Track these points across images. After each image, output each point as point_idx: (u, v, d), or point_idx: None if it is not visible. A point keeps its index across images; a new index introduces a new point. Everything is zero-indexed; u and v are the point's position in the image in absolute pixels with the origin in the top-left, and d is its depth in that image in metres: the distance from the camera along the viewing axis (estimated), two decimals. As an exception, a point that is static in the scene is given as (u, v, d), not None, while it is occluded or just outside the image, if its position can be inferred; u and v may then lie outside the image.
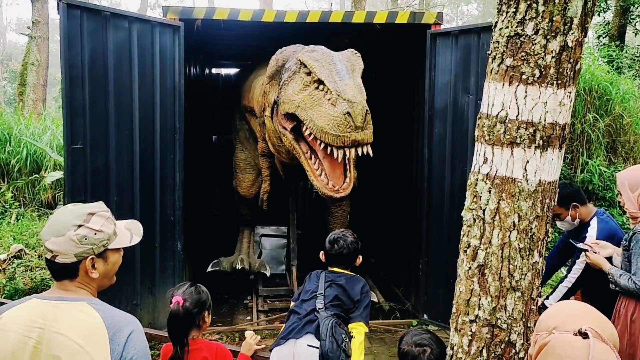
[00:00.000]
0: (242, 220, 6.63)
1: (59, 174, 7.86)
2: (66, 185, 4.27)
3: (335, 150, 3.60)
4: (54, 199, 8.70)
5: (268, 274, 5.78)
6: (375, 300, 5.82)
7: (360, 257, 3.09)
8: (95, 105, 4.30)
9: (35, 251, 6.69)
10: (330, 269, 3.08)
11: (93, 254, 1.64)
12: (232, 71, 9.21)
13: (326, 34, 5.85)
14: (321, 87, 3.76)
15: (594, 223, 3.42)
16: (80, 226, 1.63)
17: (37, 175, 8.81)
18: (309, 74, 3.91)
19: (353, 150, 3.58)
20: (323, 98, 3.68)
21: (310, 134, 3.77)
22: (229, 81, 8.87)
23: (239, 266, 5.67)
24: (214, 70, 9.45)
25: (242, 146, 6.10)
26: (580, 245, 3.14)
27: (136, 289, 4.60)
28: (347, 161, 3.78)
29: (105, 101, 4.35)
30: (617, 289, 2.83)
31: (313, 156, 3.97)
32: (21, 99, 14.27)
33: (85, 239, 1.62)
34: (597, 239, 3.24)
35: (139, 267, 4.59)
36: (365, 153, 3.63)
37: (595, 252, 3.04)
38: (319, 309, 2.89)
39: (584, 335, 1.36)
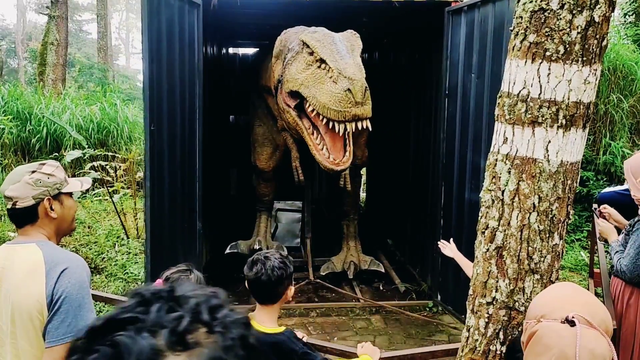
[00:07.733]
0: (261, 203, 6.61)
1: (78, 153, 7.94)
2: (148, 167, 4.21)
3: (336, 125, 3.86)
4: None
5: None
6: (382, 270, 5.92)
7: (292, 288, 2.30)
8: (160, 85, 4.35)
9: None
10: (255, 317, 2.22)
11: (49, 195, 1.87)
12: (250, 51, 9.15)
13: (344, 12, 5.77)
14: (323, 65, 4.00)
15: None
16: (34, 172, 1.87)
17: (57, 153, 8.92)
18: (311, 53, 4.13)
19: (353, 124, 3.86)
20: (325, 76, 3.94)
21: (313, 110, 4.02)
22: (246, 61, 8.81)
23: (256, 246, 5.89)
24: (230, 51, 9.39)
25: (260, 121, 6.25)
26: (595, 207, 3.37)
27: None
28: (346, 136, 4.07)
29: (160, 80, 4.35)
30: (611, 261, 2.99)
31: (315, 132, 4.24)
32: (41, 78, 14.39)
33: (40, 182, 1.85)
34: None
35: (169, 245, 4.54)
36: (365, 127, 3.90)
37: (605, 217, 3.23)
38: None
39: (572, 323, 1.33)
